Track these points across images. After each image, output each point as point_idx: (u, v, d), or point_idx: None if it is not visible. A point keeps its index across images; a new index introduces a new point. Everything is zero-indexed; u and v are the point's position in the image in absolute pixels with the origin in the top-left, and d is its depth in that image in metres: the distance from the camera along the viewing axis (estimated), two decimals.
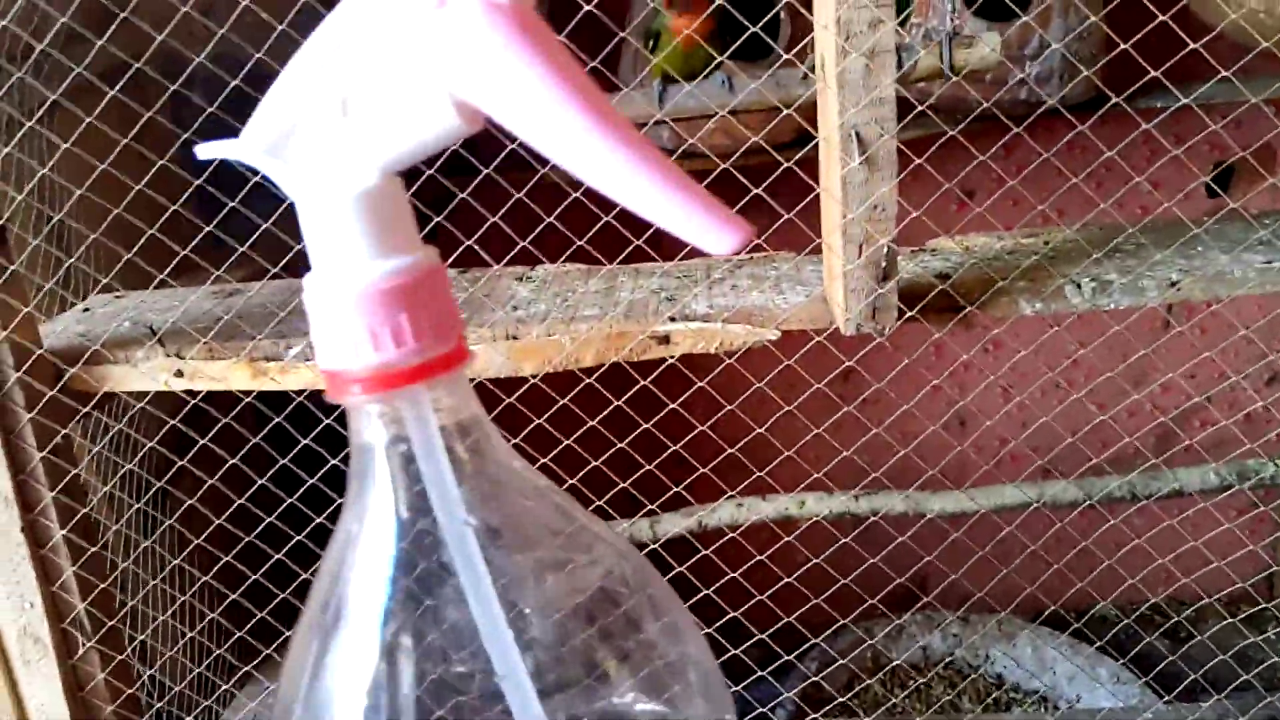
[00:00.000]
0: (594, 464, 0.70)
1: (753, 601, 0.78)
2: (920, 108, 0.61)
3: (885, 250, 0.59)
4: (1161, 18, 0.58)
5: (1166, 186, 1.21)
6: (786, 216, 0.61)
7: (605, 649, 0.30)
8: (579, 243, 0.64)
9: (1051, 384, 1.29)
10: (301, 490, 0.70)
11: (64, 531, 0.67)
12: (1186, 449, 1.25)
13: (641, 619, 0.31)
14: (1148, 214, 1.20)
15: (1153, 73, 0.59)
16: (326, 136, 0.26)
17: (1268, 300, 1.26)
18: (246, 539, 0.69)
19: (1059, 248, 0.70)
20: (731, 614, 0.73)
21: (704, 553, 0.75)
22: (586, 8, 0.57)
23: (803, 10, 0.57)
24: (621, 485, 0.71)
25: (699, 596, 0.72)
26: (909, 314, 0.62)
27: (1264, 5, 0.93)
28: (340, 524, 0.29)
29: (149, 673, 0.73)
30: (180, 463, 0.69)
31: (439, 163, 0.64)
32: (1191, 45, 0.60)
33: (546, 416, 0.68)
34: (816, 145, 0.64)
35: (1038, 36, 1.00)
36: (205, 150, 0.27)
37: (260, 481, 0.68)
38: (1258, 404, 1.26)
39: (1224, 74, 0.64)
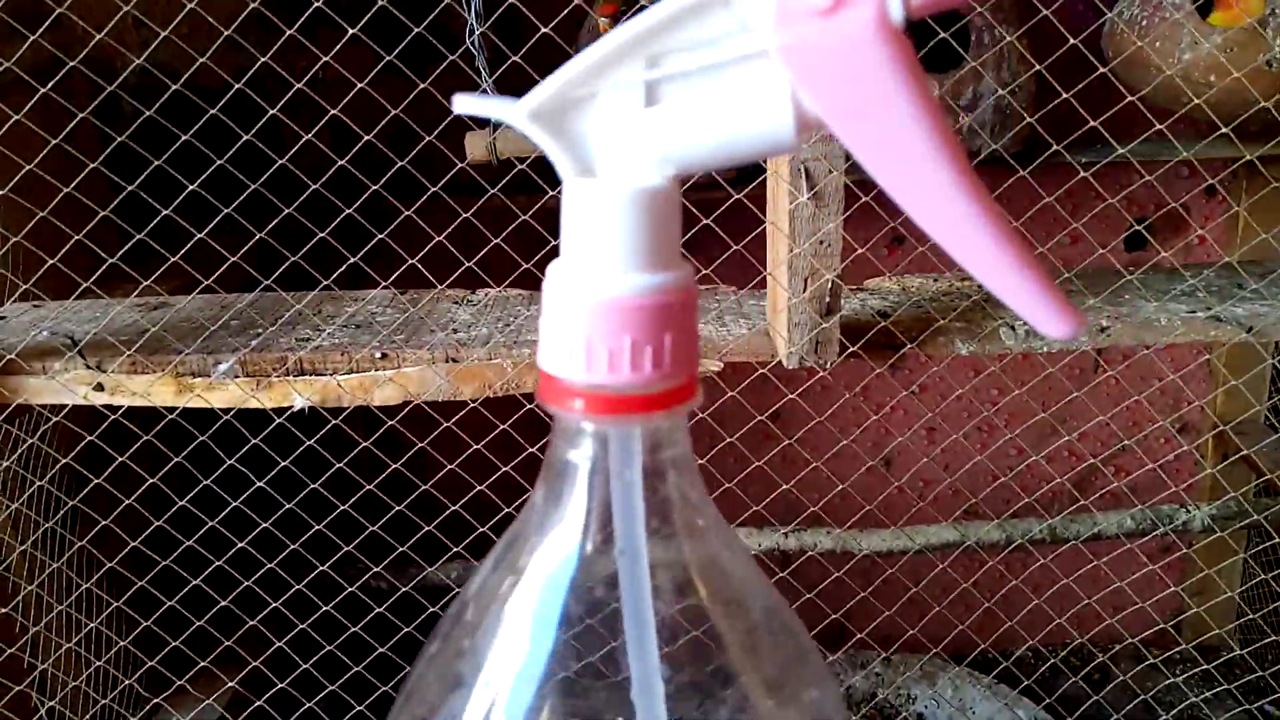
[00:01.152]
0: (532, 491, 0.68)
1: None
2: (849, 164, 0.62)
3: (830, 285, 0.60)
4: (1072, 91, 0.60)
5: (1087, 240, 1.25)
6: (735, 248, 0.62)
7: None
8: (525, 265, 0.63)
9: (976, 427, 1.32)
10: (225, 513, 0.67)
11: None
12: (1104, 494, 1.29)
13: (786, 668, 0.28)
14: (1070, 266, 1.24)
15: (1057, 147, 0.61)
16: (621, 121, 0.23)
17: (1180, 353, 1.31)
18: (162, 563, 0.66)
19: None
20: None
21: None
22: (543, 29, 0.57)
23: None
24: None
25: None
26: (851, 349, 0.63)
27: (1181, 74, 0.97)
28: (521, 528, 0.27)
29: (49, 704, 0.69)
30: (96, 480, 0.66)
31: (384, 180, 0.62)
32: (1093, 123, 0.62)
33: (485, 442, 0.66)
34: (763, 181, 0.65)
35: (972, 89, 1.03)
36: (462, 103, 0.24)
37: (180, 503, 0.66)
38: (1170, 454, 1.31)
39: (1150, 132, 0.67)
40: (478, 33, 0.69)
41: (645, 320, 0.23)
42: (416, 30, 0.58)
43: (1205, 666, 1.10)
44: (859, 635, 0.93)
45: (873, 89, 0.21)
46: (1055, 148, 0.69)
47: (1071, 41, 0.65)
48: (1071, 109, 0.68)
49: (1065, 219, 1.21)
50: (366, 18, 0.62)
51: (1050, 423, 1.31)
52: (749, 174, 0.81)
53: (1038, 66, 0.71)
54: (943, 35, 0.70)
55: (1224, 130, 0.72)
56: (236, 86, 0.59)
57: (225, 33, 0.55)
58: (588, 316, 0.23)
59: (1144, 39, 1.01)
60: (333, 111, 0.57)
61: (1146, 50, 1.01)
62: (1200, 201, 1.29)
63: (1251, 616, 1.23)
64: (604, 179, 0.24)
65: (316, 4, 0.58)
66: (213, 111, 0.57)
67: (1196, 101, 0.79)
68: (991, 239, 0.22)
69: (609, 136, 0.24)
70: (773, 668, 0.28)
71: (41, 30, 0.59)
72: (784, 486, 0.83)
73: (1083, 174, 0.70)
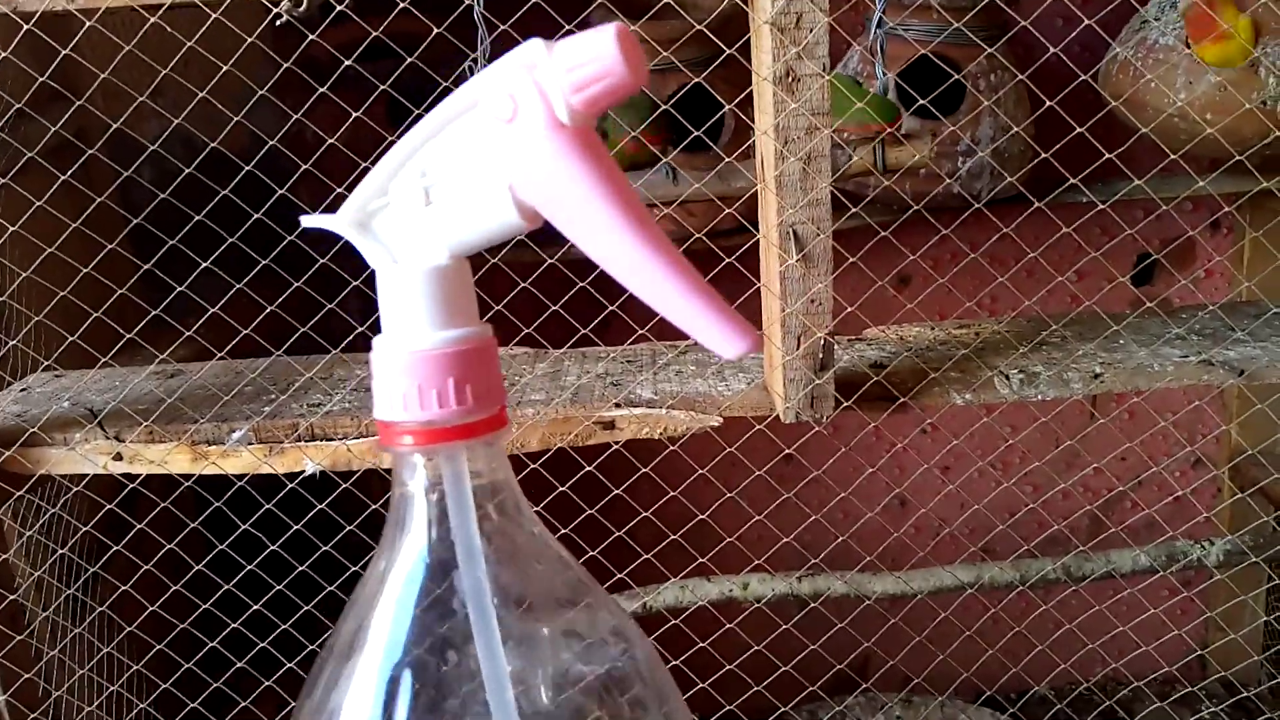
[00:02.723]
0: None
1: (696, 689, 0.78)
2: (854, 210, 0.64)
3: (822, 343, 0.61)
4: (1079, 129, 0.61)
5: (1094, 276, 1.26)
6: (736, 303, 0.63)
7: None
8: (525, 330, 0.65)
9: (988, 467, 1.32)
10: (239, 576, 0.69)
11: None
12: (1118, 532, 1.28)
13: (646, 708, 0.32)
14: (1077, 304, 1.24)
15: (1071, 180, 0.62)
16: (410, 220, 0.30)
17: (1192, 386, 1.31)
18: (180, 626, 0.67)
19: (989, 340, 0.72)
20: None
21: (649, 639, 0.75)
22: None
23: (741, 115, 0.60)
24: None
25: None
26: (845, 404, 0.64)
27: (1179, 112, 0.98)
28: (373, 562, 0.31)
29: None
30: (115, 547, 0.68)
31: None
32: (1106, 155, 0.63)
33: None
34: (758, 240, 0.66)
35: (969, 134, 1.05)
36: (308, 221, 0.31)
37: (198, 567, 0.67)
38: (1183, 490, 1.30)
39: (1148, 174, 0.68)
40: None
41: (451, 364, 0.29)
42: (418, 112, 0.61)
43: (1229, 702, 1.09)
44: (875, 679, 0.94)
45: (554, 172, 0.27)
46: (1071, 180, 0.70)
47: (1082, 74, 0.67)
48: (1070, 150, 0.69)
49: (1070, 258, 1.22)
50: (376, 94, 0.64)
51: (1064, 459, 1.31)
52: (749, 224, 0.82)
53: (1035, 113, 0.72)
54: (952, 77, 0.72)
55: (1237, 159, 0.73)
56: (251, 161, 0.62)
57: (225, 107, 0.58)
58: (405, 367, 0.29)
59: (1139, 80, 1.02)
60: (339, 190, 0.60)
61: (1142, 91, 1.02)
62: (1207, 235, 1.29)
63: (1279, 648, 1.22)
64: (404, 265, 0.30)
65: (329, 81, 0.61)
66: (224, 193, 0.59)
67: (1199, 137, 0.80)
68: (671, 279, 0.27)
69: (403, 232, 0.30)
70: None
71: (66, 115, 0.62)
72: (793, 534, 0.84)
73: (1100, 204, 0.72)
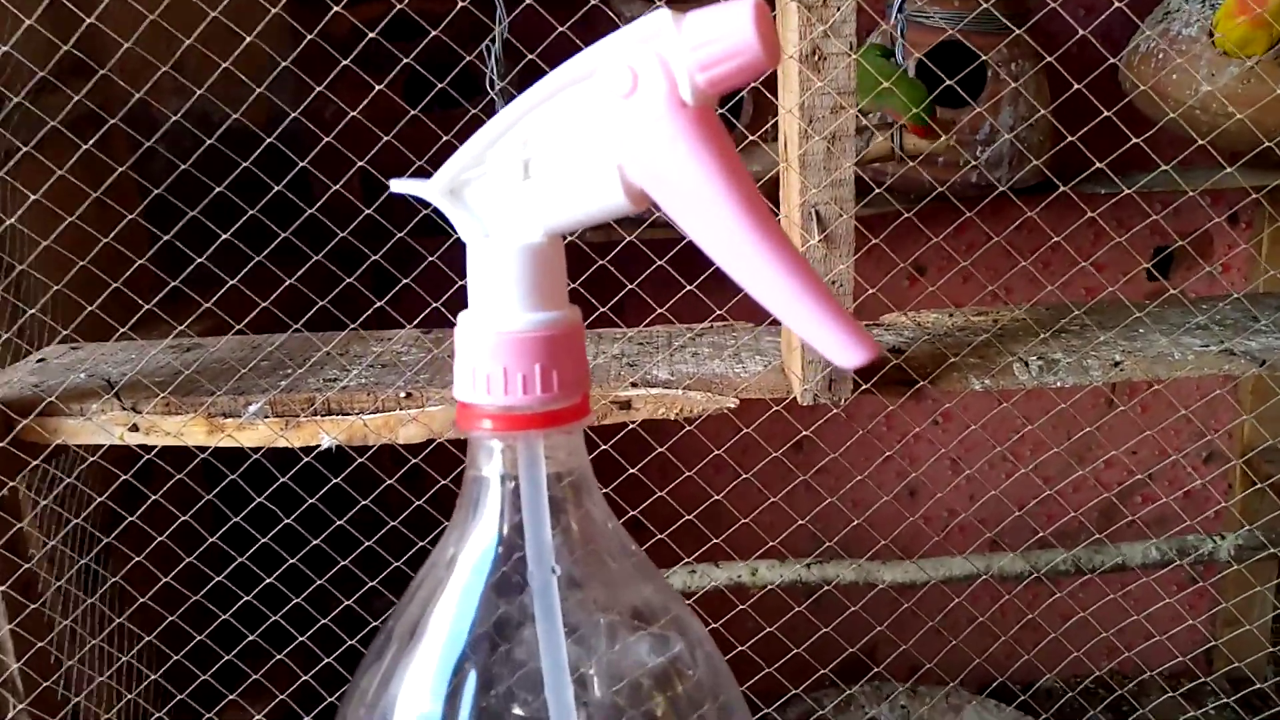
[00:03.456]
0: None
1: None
2: (877, 190, 0.63)
3: None
4: (1107, 113, 0.61)
5: (1111, 269, 1.25)
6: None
7: None
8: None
9: (1000, 457, 1.32)
10: (253, 550, 0.69)
11: (2, 587, 0.65)
12: (1129, 524, 1.28)
13: (702, 704, 0.31)
14: (1092, 294, 1.24)
15: (1097, 164, 0.62)
16: (506, 192, 0.28)
17: (1206, 381, 1.30)
18: (193, 598, 0.68)
19: (1007, 327, 0.72)
20: None
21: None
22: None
23: (765, 92, 0.59)
24: None
25: None
26: (864, 387, 0.63)
27: (1200, 103, 0.98)
28: (442, 544, 0.31)
29: None
30: (130, 519, 0.68)
31: (409, 228, 0.64)
32: (1133, 139, 0.63)
33: None
34: (778, 220, 0.66)
35: (989, 123, 1.04)
36: (397, 185, 0.29)
37: (211, 540, 0.67)
38: (1197, 482, 1.30)
39: (1163, 166, 0.67)
40: (499, 86, 0.71)
41: (538, 349, 0.28)
42: (441, 85, 0.60)
43: (1237, 696, 1.09)
44: (883, 666, 0.94)
45: (672, 156, 0.25)
46: (1092, 168, 0.69)
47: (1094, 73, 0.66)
48: (1089, 140, 0.69)
49: (1086, 249, 1.21)
50: (395, 71, 0.64)
51: (1076, 451, 1.30)
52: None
53: (1055, 101, 0.71)
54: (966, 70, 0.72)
55: (1258, 151, 0.72)
56: (269, 139, 0.61)
57: (247, 81, 0.57)
58: (490, 349, 0.28)
59: (1161, 71, 1.01)
60: (360, 163, 0.60)
61: (1164, 81, 1.01)
62: (1224, 229, 1.28)
63: None
64: (496, 240, 0.28)
65: (348, 59, 0.61)
66: (245, 164, 0.59)
67: (1221, 129, 0.79)
68: (789, 279, 0.25)
69: (498, 205, 0.28)
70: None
71: (87, 86, 0.62)
72: (805, 519, 0.83)
73: (1089, 213, 0.71)
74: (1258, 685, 1.12)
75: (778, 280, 0.25)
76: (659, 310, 0.68)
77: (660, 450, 0.71)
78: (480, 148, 0.28)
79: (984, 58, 1.04)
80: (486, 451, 0.29)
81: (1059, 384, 0.66)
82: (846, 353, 0.25)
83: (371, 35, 0.57)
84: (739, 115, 0.98)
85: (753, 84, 0.67)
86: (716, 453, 0.72)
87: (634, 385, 0.66)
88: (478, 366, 0.28)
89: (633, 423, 0.66)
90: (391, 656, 0.30)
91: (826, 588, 0.92)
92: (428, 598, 0.30)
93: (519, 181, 0.28)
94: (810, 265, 0.25)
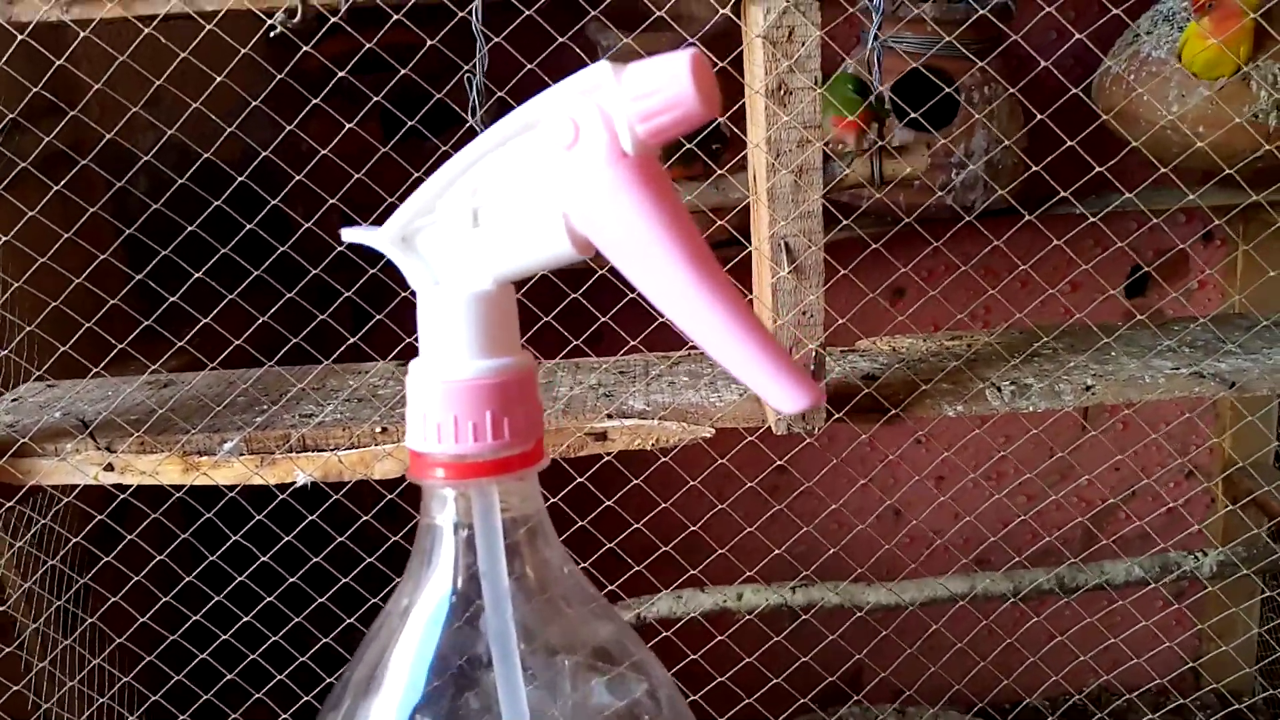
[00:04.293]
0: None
1: (689, 700, 0.78)
2: (845, 222, 0.64)
3: (814, 354, 0.61)
4: (1070, 143, 0.62)
5: (1087, 288, 1.26)
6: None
7: None
8: (519, 341, 0.65)
9: (983, 477, 1.32)
10: (230, 588, 0.69)
11: None
12: (1112, 543, 1.29)
13: None
14: (1070, 314, 1.25)
15: (1063, 193, 0.63)
16: (456, 240, 0.28)
17: (1185, 399, 1.31)
18: (170, 638, 0.67)
19: (981, 351, 0.72)
20: None
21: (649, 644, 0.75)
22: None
23: (732, 127, 0.60)
24: None
25: None
26: (836, 416, 0.64)
27: (1171, 124, 0.99)
28: (397, 594, 0.30)
29: None
30: (105, 559, 0.67)
31: (383, 262, 0.65)
32: (1100, 167, 0.64)
33: None
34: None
35: (963, 146, 1.05)
36: (349, 235, 0.29)
37: (188, 579, 0.67)
38: (1176, 501, 1.30)
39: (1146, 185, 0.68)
40: (480, 111, 0.72)
41: (488, 397, 0.28)
42: (410, 123, 0.61)
43: (1223, 713, 1.09)
44: (868, 689, 0.93)
45: (614, 205, 0.25)
46: (1064, 193, 0.70)
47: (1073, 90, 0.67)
48: (1062, 162, 0.70)
49: (1064, 269, 1.22)
50: (367, 107, 0.64)
51: (1058, 469, 1.31)
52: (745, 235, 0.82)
53: (1028, 123, 0.72)
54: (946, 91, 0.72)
55: (1227, 173, 0.73)
56: (262, 153, 0.62)
57: (219, 119, 0.58)
58: (441, 397, 0.28)
59: (1132, 93, 1.02)
60: (331, 201, 0.60)
61: (1135, 103, 1.03)
62: (1199, 247, 1.29)
63: (1275, 656, 1.22)
64: (446, 287, 0.28)
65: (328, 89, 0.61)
66: (217, 204, 0.59)
67: (1191, 149, 0.80)
68: (730, 326, 0.26)
69: (448, 253, 0.28)
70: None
71: (59, 127, 0.62)
72: (787, 545, 0.83)
73: (1057, 241, 0.72)
74: (1242, 703, 1.12)
75: (719, 327, 0.25)
76: (632, 342, 0.68)
77: (636, 482, 0.71)
78: (431, 196, 0.28)
79: (955, 85, 1.05)
80: (439, 500, 0.29)
81: (1031, 409, 0.66)
82: (788, 398, 0.26)
83: (341, 74, 0.58)
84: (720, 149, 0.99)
85: (723, 119, 0.67)
86: (692, 483, 0.72)
87: (610, 416, 0.66)
88: (428, 414, 0.28)
89: (609, 454, 0.67)
90: (347, 709, 0.30)
91: (807, 616, 0.92)
92: (383, 649, 0.30)
93: (468, 229, 0.28)
94: (752, 311, 0.25)
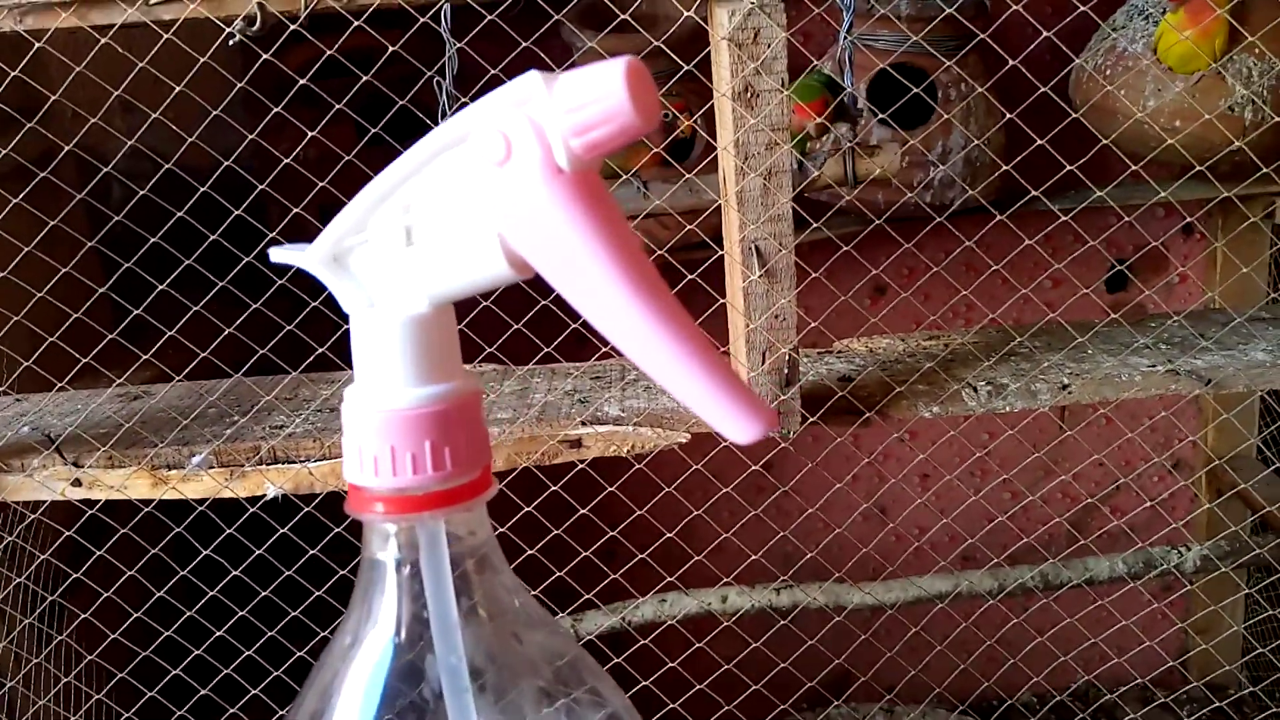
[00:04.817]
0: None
1: (679, 701, 0.77)
2: (815, 225, 0.64)
3: (787, 358, 0.61)
4: (1040, 142, 0.61)
5: (1068, 283, 1.26)
6: (701, 319, 0.63)
7: None
8: (488, 349, 0.64)
9: (967, 473, 1.32)
10: (202, 602, 0.68)
11: None
12: (1097, 538, 1.29)
13: None
14: (1053, 309, 1.24)
15: (1037, 191, 0.62)
16: (389, 260, 0.27)
17: (1163, 395, 1.31)
18: (142, 654, 0.66)
19: (958, 351, 0.72)
20: (657, 715, 0.72)
21: (627, 653, 0.75)
22: None
23: (703, 133, 0.60)
24: (538, 587, 0.70)
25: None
26: (811, 419, 0.63)
27: (1148, 118, 0.99)
28: (339, 633, 0.29)
29: None
30: (75, 575, 0.67)
31: None
32: (1076, 162, 0.63)
33: None
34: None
35: (941, 143, 1.05)
36: (277, 255, 0.28)
37: (158, 594, 0.66)
38: (1160, 496, 1.30)
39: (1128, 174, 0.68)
40: (449, 115, 0.71)
41: (428, 426, 0.26)
42: (374, 130, 0.60)
43: (1211, 707, 1.09)
44: (856, 688, 0.93)
45: (549, 224, 0.24)
46: (1038, 191, 0.70)
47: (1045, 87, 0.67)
48: (1041, 158, 0.69)
49: (1045, 264, 1.22)
50: (334, 111, 0.64)
51: (1043, 465, 1.31)
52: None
53: (1005, 119, 0.72)
54: (915, 89, 0.72)
55: (1200, 168, 0.73)
56: (225, 162, 0.61)
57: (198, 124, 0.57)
58: (377, 428, 0.26)
59: (1109, 87, 1.02)
60: (295, 210, 0.59)
61: (1113, 97, 1.02)
62: (1178, 241, 1.29)
63: (1260, 650, 1.22)
64: (380, 310, 0.27)
65: (298, 85, 0.60)
66: (179, 214, 0.59)
67: (1167, 143, 0.80)
68: (676, 351, 0.24)
69: (381, 274, 0.27)
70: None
71: (19, 135, 0.61)
72: (771, 546, 0.83)
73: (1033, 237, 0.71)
74: (1228, 698, 1.12)
75: (663, 353, 0.24)
76: (607, 347, 0.68)
77: (610, 489, 0.71)
78: (360, 213, 0.27)
79: (924, 86, 1.05)
80: (381, 535, 0.28)
81: (1007, 409, 0.66)
82: (739, 427, 0.24)
83: (303, 81, 0.57)
84: (690, 151, 0.98)
85: (689, 122, 0.67)
86: (667, 490, 0.72)
87: (584, 423, 0.66)
88: (364, 446, 0.26)
89: (582, 462, 0.66)
90: None
91: (786, 622, 0.92)
92: (326, 687, 0.29)
93: (402, 248, 0.26)
94: (700, 335, 0.24)
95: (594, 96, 0.23)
